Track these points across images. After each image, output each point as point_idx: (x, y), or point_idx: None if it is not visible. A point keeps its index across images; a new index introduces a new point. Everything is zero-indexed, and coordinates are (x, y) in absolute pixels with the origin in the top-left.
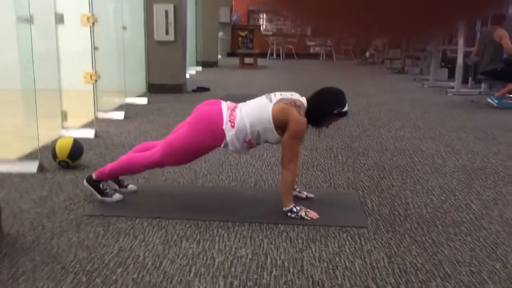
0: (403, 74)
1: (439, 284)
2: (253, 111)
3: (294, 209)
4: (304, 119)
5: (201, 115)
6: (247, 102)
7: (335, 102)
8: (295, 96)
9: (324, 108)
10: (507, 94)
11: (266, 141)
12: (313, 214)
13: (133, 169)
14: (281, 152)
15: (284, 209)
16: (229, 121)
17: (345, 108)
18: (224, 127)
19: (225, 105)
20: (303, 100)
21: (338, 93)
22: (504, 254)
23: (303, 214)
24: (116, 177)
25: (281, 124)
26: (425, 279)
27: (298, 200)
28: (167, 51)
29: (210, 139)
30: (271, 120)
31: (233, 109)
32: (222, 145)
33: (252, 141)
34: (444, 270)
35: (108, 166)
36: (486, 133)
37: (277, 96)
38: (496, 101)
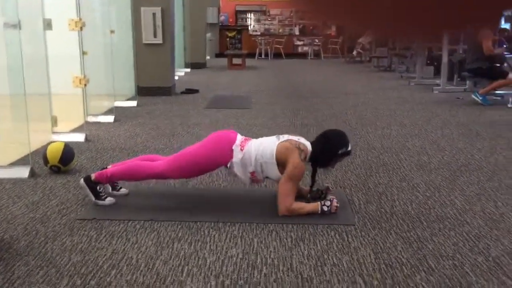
0: (389, 72)
1: (423, 278)
2: (260, 145)
3: (325, 208)
4: (303, 164)
5: (215, 134)
6: (259, 138)
7: (339, 144)
8: (301, 140)
9: (329, 151)
10: (491, 91)
11: (267, 177)
12: (335, 204)
13: (136, 176)
14: (277, 190)
15: (319, 213)
16: (240, 144)
17: (349, 148)
18: (233, 147)
19: (240, 135)
20: (308, 144)
21: (341, 135)
22: (486, 248)
23: (334, 209)
24: (115, 180)
25: (282, 162)
26: (410, 273)
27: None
28: (155, 54)
29: (218, 155)
30: (274, 155)
31: (246, 139)
32: (228, 164)
33: (255, 174)
34: (428, 264)
35: (110, 170)
36: (470, 130)
37: (285, 136)
38: (480, 98)
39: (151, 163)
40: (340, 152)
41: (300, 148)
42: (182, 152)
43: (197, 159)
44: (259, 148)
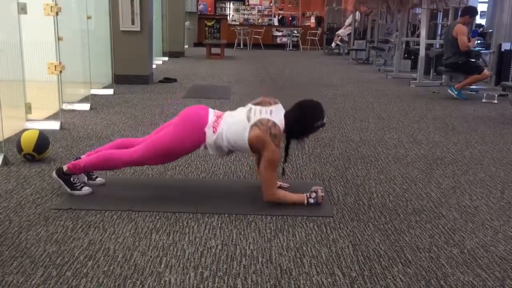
0: (367, 65)
1: (401, 270)
2: (233, 129)
3: (311, 200)
4: (278, 150)
5: (187, 116)
6: (231, 113)
7: (316, 116)
8: (274, 114)
9: (306, 123)
10: (467, 86)
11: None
12: (321, 194)
13: (111, 166)
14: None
15: (305, 204)
16: (213, 126)
17: (324, 120)
18: (206, 129)
19: (212, 112)
20: (280, 120)
21: (317, 106)
22: (461, 240)
23: (320, 200)
24: (90, 171)
25: (255, 148)
26: (388, 265)
27: None
28: (133, 41)
29: (191, 139)
30: (247, 142)
31: (218, 117)
32: (203, 146)
33: (231, 150)
34: (405, 256)
35: (84, 160)
36: (446, 124)
37: (256, 115)
38: (456, 92)
39: (126, 150)
40: (316, 124)
41: (271, 134)
42: (156, 135)
43: (170, 146)
44: (231, 132)
